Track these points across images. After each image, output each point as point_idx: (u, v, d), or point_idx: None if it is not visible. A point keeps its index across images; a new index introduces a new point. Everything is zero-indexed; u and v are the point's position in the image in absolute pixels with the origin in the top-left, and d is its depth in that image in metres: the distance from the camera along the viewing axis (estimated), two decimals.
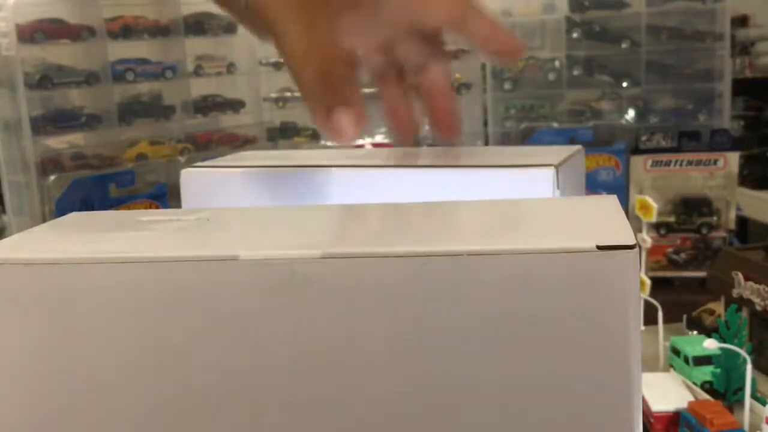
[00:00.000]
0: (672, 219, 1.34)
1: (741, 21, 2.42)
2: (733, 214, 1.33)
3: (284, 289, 0.22)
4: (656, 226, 1.31)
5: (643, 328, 0.99)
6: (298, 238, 0.26)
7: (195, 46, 1.55)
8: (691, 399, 0.76)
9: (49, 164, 1.29)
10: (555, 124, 1.64)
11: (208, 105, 1.60)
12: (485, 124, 1.82)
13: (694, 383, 0.81)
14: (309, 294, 0.22)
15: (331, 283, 0.22)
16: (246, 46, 1.67)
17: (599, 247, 0.21)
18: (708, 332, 0.92)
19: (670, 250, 1.32)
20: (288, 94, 1.74)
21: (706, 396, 0.78)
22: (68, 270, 0.23)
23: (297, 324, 0.22)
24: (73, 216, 0.31)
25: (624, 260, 0.21)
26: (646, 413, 0.78)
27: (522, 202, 0.30)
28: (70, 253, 0.24)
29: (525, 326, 0.21)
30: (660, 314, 0.97)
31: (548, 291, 0.21)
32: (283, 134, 1.68)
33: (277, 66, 1.71)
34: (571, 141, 1.51)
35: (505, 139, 1.66)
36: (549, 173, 0.33)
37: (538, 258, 0.21)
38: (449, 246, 0.22)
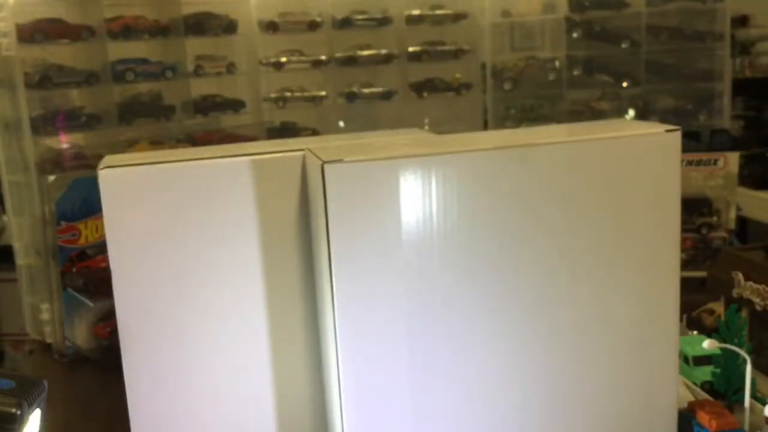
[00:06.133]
0: None
1: (741, 21, 2.42)
2: (733, 214, 1.33)
3: None
4: None
5: None
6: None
7: (195, 46, 1.55)
8: (691, 399, 0.76)
9: (49, 164, 1.29)
10: (555, 124, 1.64)
11: (208, 105, 1.60)
12: (485, 124, 1.82)
13: (695, 383, 0.81)
14: None
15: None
16: (246, 46, 1.67)
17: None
18: (708, 332, 0.92)
19: None
20: (288, 94, 1.73)
21: (706, 396, 0.78)
22: None
23: None
24: None
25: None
26: None
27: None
28: None
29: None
30: None
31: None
32: (283, 134, 1.67)
33: (277, 66, 1.71)
34: None
35: None
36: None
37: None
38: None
